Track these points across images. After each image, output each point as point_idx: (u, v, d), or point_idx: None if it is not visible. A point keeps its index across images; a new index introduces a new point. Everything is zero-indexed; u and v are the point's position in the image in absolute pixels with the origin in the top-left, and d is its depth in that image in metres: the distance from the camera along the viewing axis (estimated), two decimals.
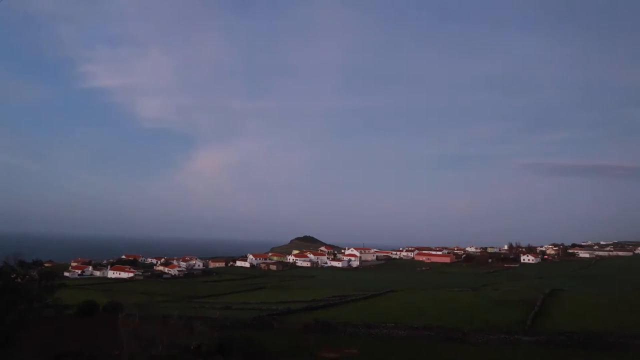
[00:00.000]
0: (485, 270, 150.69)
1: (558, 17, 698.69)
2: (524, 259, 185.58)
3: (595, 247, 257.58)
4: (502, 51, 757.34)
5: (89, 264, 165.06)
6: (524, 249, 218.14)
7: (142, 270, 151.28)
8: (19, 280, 19.52)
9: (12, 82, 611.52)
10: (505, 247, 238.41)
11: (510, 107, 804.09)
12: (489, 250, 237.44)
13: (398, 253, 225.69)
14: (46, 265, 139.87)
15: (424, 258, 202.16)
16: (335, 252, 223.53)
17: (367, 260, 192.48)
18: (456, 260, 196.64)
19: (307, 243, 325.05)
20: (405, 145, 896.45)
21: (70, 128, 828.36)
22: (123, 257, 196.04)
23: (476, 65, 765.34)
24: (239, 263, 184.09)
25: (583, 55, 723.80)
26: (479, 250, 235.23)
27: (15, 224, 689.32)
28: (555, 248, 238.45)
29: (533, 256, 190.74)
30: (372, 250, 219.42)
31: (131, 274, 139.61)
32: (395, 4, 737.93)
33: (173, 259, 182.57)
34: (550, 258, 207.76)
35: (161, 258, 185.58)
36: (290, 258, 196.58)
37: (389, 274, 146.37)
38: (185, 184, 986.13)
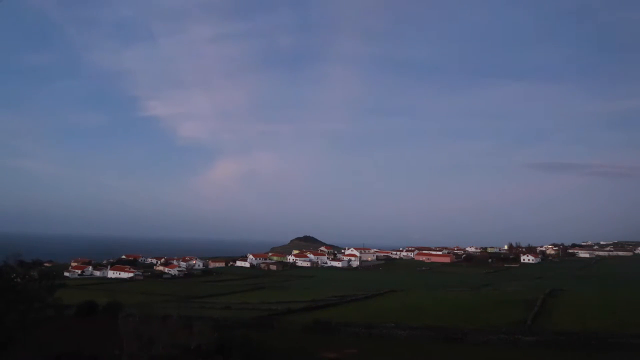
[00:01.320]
0: (485, 270, 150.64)
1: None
2: (524, 259, 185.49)
3: (595, 247, 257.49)
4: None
5: (89, 264, 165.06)
6: (524, 249, 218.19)
7: (142, 270, 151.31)
8: (19, 280, 19.52)
9: (81, 110, 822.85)
10: (505, 247, 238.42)
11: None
12: (489, 250, 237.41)
13: (398, 253, 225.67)
14: (46, 265, 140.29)
15: (424, 258, 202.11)
16: (335, 252, 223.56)
17: (367, 260, 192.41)
18: (456, 260, 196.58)
19: (307, 243, 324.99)
20: (406, 153, 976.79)
21: (116, 143, 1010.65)
22: (123, 257, 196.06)
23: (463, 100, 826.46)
24: (239, 263, 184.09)
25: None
26: (479, 250, 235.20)
27: (15, 224, 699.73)
28: (555, 248, 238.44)
29: (533, 256, 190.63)
30: (372, 250, 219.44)
31: (131, 274, 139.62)
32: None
33: (173, 259, 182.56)
34: (550, 258, 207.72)
35: (161, 258, 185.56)
36: (290, 258, 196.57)
37: (388, 274, 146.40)
38: (199, 188, 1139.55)
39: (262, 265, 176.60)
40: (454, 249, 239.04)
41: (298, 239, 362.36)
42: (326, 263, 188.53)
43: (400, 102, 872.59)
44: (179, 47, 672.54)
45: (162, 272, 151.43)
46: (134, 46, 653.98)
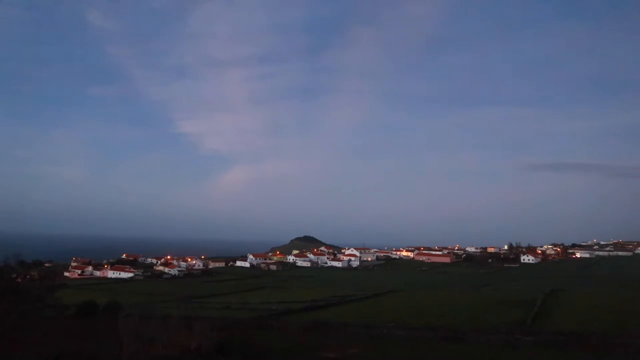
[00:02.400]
0: (485, 270, 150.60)
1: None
2: (524, 259, 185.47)
3: (595, 247, 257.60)
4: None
5: (89, 264, 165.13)
6: (524, 249, 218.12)
7: (142, 270, 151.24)
8: (19, 280, 19.52)
9: (125, 127, 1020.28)
10: (505, 247, 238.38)
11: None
12: (489, 250, 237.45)
13: (398, 253, 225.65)
14: (46, 265, 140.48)
15: (424, 258, 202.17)
16: (335, 252, 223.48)
17: (367, 260, 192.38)
18: (456, 260, 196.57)
19: (307, 243, 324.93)
20: (406, 158, 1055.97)
21: (145, 154, 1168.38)
22: (123, 257, 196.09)
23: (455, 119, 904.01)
24: (239, 263, 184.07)
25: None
26: (479, 250, 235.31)
27: (15, 224, 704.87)
28: (555, 248, 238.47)
29: (533, 256, 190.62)
30: (372, 250, 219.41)
31: (131, 274, 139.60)
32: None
33: (173, 259, 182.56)
34: (550, 258, 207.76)
35: (161, 258, 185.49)
36: (290, 258, 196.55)
37: (388, 274, 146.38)
38: (210, 192, 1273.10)
39: (262, 265, 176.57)
40: (454, 249, 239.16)
41: (298, 239, 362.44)
42: (326, 263, 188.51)
43: (399, 121, 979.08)
44: (215, 84, 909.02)
45: (162, 272, 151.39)
46: (180, 82, 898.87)
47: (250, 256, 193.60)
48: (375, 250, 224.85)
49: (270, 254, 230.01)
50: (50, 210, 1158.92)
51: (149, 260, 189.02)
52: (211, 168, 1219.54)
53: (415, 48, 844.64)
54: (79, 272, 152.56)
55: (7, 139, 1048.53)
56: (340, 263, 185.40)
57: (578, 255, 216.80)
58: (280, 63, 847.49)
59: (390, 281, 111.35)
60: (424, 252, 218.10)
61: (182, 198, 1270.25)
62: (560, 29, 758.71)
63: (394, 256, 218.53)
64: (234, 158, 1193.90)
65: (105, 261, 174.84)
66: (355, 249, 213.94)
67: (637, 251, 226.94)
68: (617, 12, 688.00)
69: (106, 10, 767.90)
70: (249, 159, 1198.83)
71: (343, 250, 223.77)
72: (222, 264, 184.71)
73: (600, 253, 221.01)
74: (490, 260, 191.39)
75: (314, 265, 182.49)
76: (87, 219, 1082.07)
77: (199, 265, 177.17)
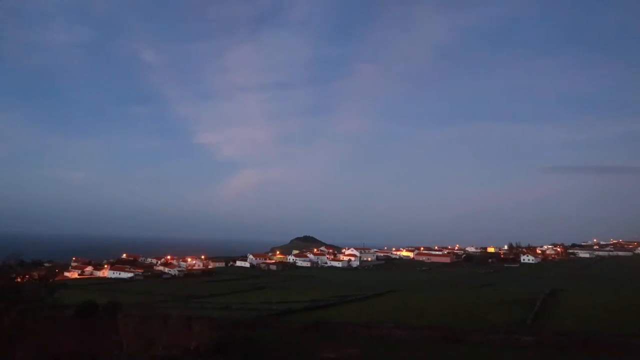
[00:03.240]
0: (485, 270, 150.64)
1: None
2: (524, 259, 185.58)
3: (595, 247, 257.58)
4: None
5: (89, 264, 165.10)
6: (524, 249, 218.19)
7: (142, 270, 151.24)
8: (19, 280, 19.51)
9: (149, 138, 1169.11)
10: (505, 247, 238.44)
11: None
12: (489, 250, 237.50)
13: (398, 253, 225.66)
14: (46, 265, 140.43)
15: (424, 258, 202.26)
16: (335, 252, 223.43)
17: (367, 260, 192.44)
18: (456, 260, 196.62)
19: (307, 243, 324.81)
20: (406, 162, 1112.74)
21: (162, 162, 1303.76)
22: (123, 257, 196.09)
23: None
24: (239, 263, 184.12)
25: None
26: (479, 250, 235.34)
27: (15, 224, 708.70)
28: (555, 248, 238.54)
29: (533, 256, 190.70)
30: (372, 250, 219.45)
31: (131, 274, 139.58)
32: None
33: (173, 259, 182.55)
34: (550, 258, 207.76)
35: (161, 258, 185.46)
36: (290, 258, 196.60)
37: (389, 274, 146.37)
38: (218, 195, 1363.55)
39: (262, 265, 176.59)
40: (454, 249, 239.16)
41: (298, 239, 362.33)
42: (326, 263, 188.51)
43: (399, 133, 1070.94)
44: (236, 104, 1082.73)
45: (162, 272, 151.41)
46: (206, 102, 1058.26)
47: (250, 256, 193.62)
48: (375, 250, 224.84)
49: (270, 254, 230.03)
50: (53, 211, 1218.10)
51: (149, 260, 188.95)
52: (222, 173, 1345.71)
53: (411, 80, 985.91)
54: (79, 272, 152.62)
55: (40, 146, 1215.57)
56: (340, 263, 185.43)
57: (578, 255, 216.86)
58: (293, 88, 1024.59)
59: (390, 281, 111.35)
60: (424, 252, 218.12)
61: (191, 200, 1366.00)
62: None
63: (394, 256, 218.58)
64: (243, 163, 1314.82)
65: (105, 261, 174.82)
66: (355, 249, 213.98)
67: (637, 251, 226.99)
68: None
69: (158, 50, 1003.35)
70: (256, 164, 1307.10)
71: (343, 250, 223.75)
72: (222, 264, 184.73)
73: (600, 253, 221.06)
74: (490, 260, 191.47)
75: (314, 265, 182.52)
76: (94, 219, 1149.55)
77: (199, 265, 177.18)
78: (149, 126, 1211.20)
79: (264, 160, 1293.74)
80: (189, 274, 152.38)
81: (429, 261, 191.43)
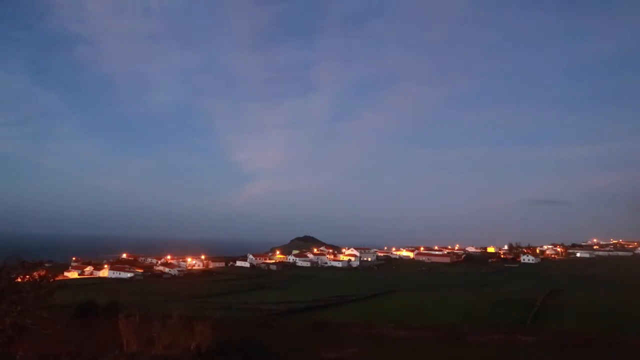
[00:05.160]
0: (485, 270, 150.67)
1: None
2: (524, 259, 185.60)
3: (595, 247, 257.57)
4: None
5: (89, 264, 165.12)
6: (524, 249, 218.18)
7: (142, 270, 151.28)
8: (19, 280, 19.53)
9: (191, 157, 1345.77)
10: (505, 247, 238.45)
11: None
12: (489, 250, 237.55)
13: (398, 253, 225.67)
14: (46, 265, 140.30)
15: (424, 258, 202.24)
16: (335, 252, 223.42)
17: (367, 260, 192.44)
18: (456, 260, 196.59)
19: (307, 243, 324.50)
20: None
21: (198, 174, 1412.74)
22: (123, 257, 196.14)
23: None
24: (239, 263, 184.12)
25: None
26: (479, 250, 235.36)
27: (15, 224, 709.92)
28: (555, 248, 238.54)
29: (533, 256, 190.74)
30: (372, 250, 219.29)
31: (131, 274, 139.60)
32: None
33: (173, 259, 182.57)
34: (550, 258, 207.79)
35: (161, 258, 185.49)
36: (290, 258, 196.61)
37: (389, 274, 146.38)
38: (235, 199, 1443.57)
39: (262, 265, 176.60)
40: (454, 249, 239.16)
41: (298, 239, 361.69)
42: (326, 263, 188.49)
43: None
44: (267, 134, 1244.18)
45: (162, 272, 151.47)
46: (249, 134, 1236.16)
47: (250, 256, 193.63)
48: (375, 250, 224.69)
49: (270, 254, 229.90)
50: (56, 211, 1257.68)
51: (149, 260, 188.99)
52: (243, 182, 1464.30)
53: (411, 119, 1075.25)
54: (79, 272, 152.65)
55: (104, 161, 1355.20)
56: (340, 263, 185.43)
57: (578, 255, 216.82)
58: (308, 126, 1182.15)
59: (390, 281, 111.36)
60: (424, 252, 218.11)
61: (208, 202, 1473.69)
62: None
63: (394, 256, 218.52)
64: (260, 175, 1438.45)
65: (105, 261, 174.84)
66: (355, 248, 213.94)
67: (637, 251, 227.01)
68: None
69: (219, 102, 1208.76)
70: (270, 176, 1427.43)
71: (343, 250, 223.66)
72: (222, 264, 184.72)
73: (600, 253, 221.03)
74: (490, 260, 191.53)
75: (314, 265, 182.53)
76: (123, 220, 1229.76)
77: (199, 265, 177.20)
78: (195, 146, 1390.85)
79: (276, 173, 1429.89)
80: (189, 274, 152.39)
81: (429, 261, 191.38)
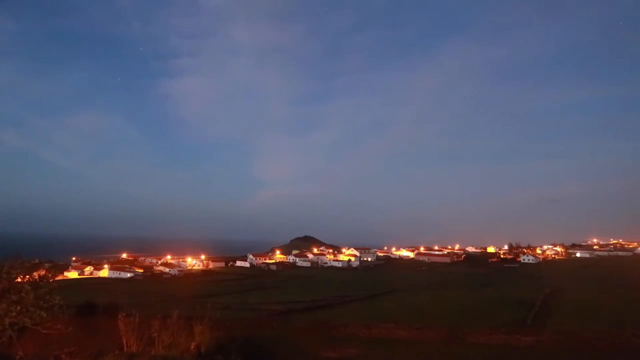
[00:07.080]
0: (485, 270, 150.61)
1: None
2: (524, 259, 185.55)
3: (595, 247, 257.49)
4: None
5: (89, 264, 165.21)
6: (524, 249, 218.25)
7: (142, 270, 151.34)
8: (19, 280, 19.51)
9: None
10: (505, 247, 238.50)
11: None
12: (489, 250, 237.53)
13: (398, 253, 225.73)
14: (46, 265, 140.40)
15: (424, 258, 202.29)
16: (335, 252, 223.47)
17: (367, 260, 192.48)
18: (456, 260, 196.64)
19: (307, 243, 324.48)
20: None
21: (217, 181, 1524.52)
22: (123, 257, 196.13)
23: None
24: (239, 263, 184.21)
25: None
26: (479, 250, 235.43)
27: (15, 224, 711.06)
28: (555, 248, 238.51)
29: (533, 256, 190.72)
30: (372, 250, 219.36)
31: (131, 274, 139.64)
32: None
33: (173, 259, 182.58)
34: (550, 258, 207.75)
35: (161, 258, 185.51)
36: (290, 258, 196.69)
37: (389, 274, 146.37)
38: (246, 204, 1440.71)
39: (262, 265, 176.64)
40: (454, 249, 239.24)
41: (298, 239, 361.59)
42: (326, 263, 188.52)
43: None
44: (284, 154, 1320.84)
45: (162, 272, 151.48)
46: (270, 154, 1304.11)
47: (250, 256, 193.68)
48: (375, 250, 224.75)
49: (270, 254, 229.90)
50: (56, 212, 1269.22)
51: (149, 260, 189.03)
52: (256, 189, 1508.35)
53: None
54: (79, 272, 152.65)
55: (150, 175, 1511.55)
56: (340, 263, 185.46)
57: (578, 255, 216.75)
58: (321, 148, 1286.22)
59: (390, 281, 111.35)
60: (424, 252, 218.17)
61: (221, 203, 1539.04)
62: None
63: (394, 256, 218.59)
64: (272, 184, 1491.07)
65: (105, 261, 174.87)
66: (355, 248, 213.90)
67: (637, 251, 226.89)
68: None
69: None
70: (281, 185, 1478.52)
71: (343, 250, 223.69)
72: (222, 264, 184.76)
73: (600, 253, 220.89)
74: (490, 260, 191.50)
75: (314, 265, 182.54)
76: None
77: (199, 265, 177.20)
78: (222, 159, 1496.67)
79: (287, 182, 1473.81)
80: (189, 274, 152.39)
81: (429, 261, 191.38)
